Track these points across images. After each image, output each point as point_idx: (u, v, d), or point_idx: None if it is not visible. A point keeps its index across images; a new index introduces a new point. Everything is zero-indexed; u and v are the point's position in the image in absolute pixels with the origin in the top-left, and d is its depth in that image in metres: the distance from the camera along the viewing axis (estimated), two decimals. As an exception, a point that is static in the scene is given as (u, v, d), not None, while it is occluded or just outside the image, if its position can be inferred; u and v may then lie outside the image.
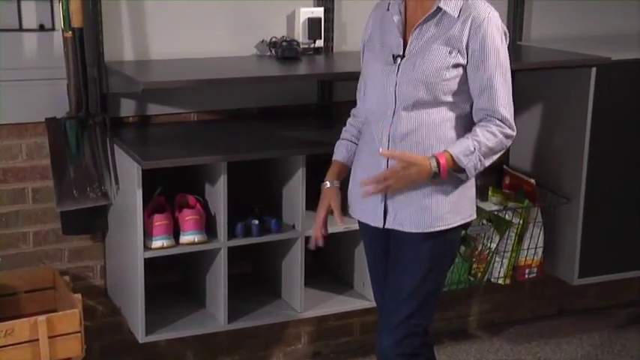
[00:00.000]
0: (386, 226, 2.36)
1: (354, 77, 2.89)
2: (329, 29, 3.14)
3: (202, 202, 2.81)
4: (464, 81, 2.23)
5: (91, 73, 2.80)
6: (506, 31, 2.27)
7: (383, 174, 2.25)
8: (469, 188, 2.34)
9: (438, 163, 2.19)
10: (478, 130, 2.22)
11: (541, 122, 3.33)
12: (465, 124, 2.27)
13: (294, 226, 2.86)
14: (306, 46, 3.08)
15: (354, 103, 3.36)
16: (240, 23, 3.06)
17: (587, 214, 3.21)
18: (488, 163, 2.25)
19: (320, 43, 3.11)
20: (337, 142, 2.54)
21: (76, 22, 2.70)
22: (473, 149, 2.20)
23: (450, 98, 2.23)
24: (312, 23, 3.07)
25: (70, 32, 2.71)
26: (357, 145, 2.48)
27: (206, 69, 2.88)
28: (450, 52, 2.20)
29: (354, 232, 2.93)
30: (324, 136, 3.05)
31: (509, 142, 2.26)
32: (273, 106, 3.16)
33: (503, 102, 2.22)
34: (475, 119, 2.27)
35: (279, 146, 2.84)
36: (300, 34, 3.07)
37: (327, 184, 2.47)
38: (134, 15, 2.91)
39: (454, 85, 2.22)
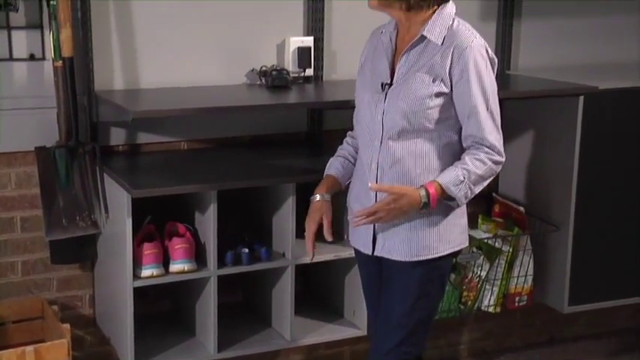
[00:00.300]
0: (375, 254, 2.37)
1: (343, 106, 2.90)
2: (319, 58, 3.16)
3: (192, 230, 2.80)
4: (448, 109, 2.23)
5: (81, 102, 2.81)
6: (494, 57, 2.26)
7: (374, 207, 2.25)
8: (459, 216, 2.34)
9: (428, 193, 2.20)
10: (467, 158, 2.22)
11: (530, 150, 3.34)
12: (454, 153, 2.28)
13: (284, 255, 2.86)
14: (296, 74, 3.10)
15: (344, 132, 3.38)
16: (231, 52, 3.08)
17: (577, 241, 3.21)
18: (478, 190, 2.25)
19: (310, 71, 3.13)
20: (331, 159, 2.51)
21: (67, 51, 2.71)
22: (462, 178, 2.20)
23: (435, 127, 2.23)
24: (302, 52, 3.09)
25: (61, 62, 2.72)
26: (352, 164, 2.47)
27: (196, 98, 2.89)
28: (434, 81, 2.20)
29: (345, 260, 2.94)
30: (314, 164, 3.06)
31: (498, 168, 2.26)
32: (263, 135, 3.17)
33: (490, 129, 2.21)
34: (464, 145, 2.27)
35: (269, 174, 2.84)
36: (290, 63, 3.09)
37: (318, 197, 2.42)
38: (124, 44, 2.92)
39: (438, 113, 2.22)
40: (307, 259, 2.87)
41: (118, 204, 2.70)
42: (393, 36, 2.32)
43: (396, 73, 2.27)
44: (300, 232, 2.83)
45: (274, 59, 3.12)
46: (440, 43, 2.21)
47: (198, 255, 2.76)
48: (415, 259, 2.30)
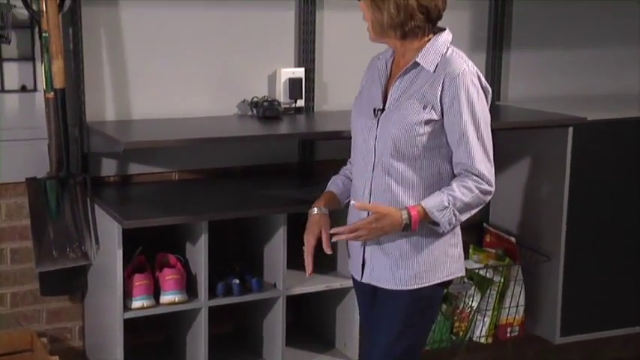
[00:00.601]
0: (363, 280, 2.36)
1: (335, 137, 2.92)
2: (310, 89, 3.17)
3: (183, 261, 2.79)
4: (439, 137, 2.22)
5: (72, 133, 2.81)
6: (487, 86, 2.25)
7: (355, 225, 2.25)
8: (452, 246, 2.31)
9: (410, 215, 2.18)
10: (454, 184, 2.21)
11: (520, 181, 3.36)
12: (445, 183, 2.26)
13: (275, 285, 2.85)
14: (288, 105, 3.11)
15: (335, 162, 3.38)
16: (222, 83, 3.09)
17: (568, 272, 3.22)
18: (464, 217, 2.23)
19: (301, 102, 3.14)
20: (333, 177, 2.53)
21: (58, 82, 2.72)
22: (447, 204, 2.18)
23: (426, 155, 2.23)
24: (293, 83, 3.11)
25: (52, 93, 2.73)
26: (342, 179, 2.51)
27: (187, 129, 2.89)
28: (424, 108, 2.20)
29: (336, 290, 2.93)
30: (305, 194, 3.06)
31: (487, 198, 2.25)
32: (254, 165, 3.18)
33: (480, 157, 2.20)
34: (455, 173, 2.26)
35: (260, 205, 2.84)
36: (282, 94, 3.10)
37: (315, 210, 2.42)
38: (116, 75, 2.93)
39: (428, 141, 2.21)
40: (298, 290, 2.87)
41: (108, 235, 2.69)
42: (389, 62, 2.33)
43: (388, 99, 2.27)
44: (291, 263, 2.82)
45: (265, 90, 3.14)
46: (432, 71, 2.21)
47: (189, 286, 2.75)
48: (403, 287, 2.28)
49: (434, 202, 2.19)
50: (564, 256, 3.19)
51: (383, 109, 2.27)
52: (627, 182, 3.30)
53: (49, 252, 2.77)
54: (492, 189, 2.24)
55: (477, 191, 2.20)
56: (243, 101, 3.10)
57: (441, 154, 2.25)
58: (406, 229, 2.20)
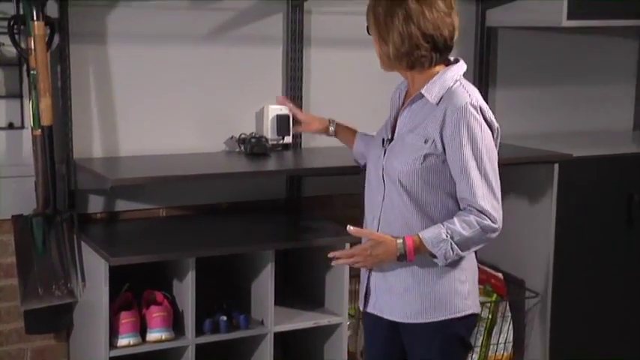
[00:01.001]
0: (367, 309, 2.32)
1: (322, 173, 2.93)
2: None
3: (170, 298, 2.78)
4: (441, 172, 2.17)
5: (59, 170, 2.81)
6: (492, 121, 2.19)
7: (351, 250, 2.22)
8: (461, 282, 2.24)
9: (405, 244, 2.14)
10: (455, 218, 2.15)
11: (507, 217, 3.33)
12: (454, 209, 2.21)
13: (262, 322, 2.83)
14: (275, 142, 3.12)
15: (323, 198, 3.40)
16: (210, 120, 3.10)
17: (556, 308, 3.21)
18: (464, 253, 2.16)
19: (288, 139, 3.15)
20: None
21: (46, 120, 2.72)
22: (445, 237, 2.12)
23: (428, 189, 2.18)
24: (281, 120, 3.12)
25: (40, 130, 2.73)
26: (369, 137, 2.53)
27: (175, 165, 2.90)
28: (425, 142, 2.16)
29: (324, 327, 2.92)
30: (293, 231, 3.06)
31: (491, 235, 2.15)
32: (242, 202, 3.18)
33: (482, 193, 2.13)
34: (460, 208, 2.20)
35: (248, 241, 2.84)
36: (269, 131, 3.11)
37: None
38: (104, 112, 2.94)
39: (428, 175, 2.17)
40: (286, 327, 2.85)
41: (95, 272, 2.68)
42: (403, 93, 2.31)
43: (396, 130, 2.25)
44: (279, 300, 2.81)
45: (253, 127, 3.15)
46: (436, 103, 2.17)
47: (175, 323, 2.73)
48: (405, 320, 2.24)
49: (431, 234, 2.14)
50: (552, 292, 3.19)
51: (391, 140, 2.25)
52: (613, 217, 3.32)
53: (34, 290, 2.75)
54: (497, 226, 2.15)
55: (477, 226, 2.13)
56: (231, 138, 3.11)
57: (445, 190, 2.19)
58: (401, 258, 2.15)
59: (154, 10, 2.96)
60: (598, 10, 3.27)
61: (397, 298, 2.25)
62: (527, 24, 3.38)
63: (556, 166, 3.13)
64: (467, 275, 2.25)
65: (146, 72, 2.98)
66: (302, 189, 3.24)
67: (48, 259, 2.78)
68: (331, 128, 2.67)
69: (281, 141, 3.14)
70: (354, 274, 3.26)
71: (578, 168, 3.16)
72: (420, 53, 2.17)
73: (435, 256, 2.17)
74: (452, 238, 2.13)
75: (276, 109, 3.12)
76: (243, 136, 3.08)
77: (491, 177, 2.15)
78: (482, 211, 2.14)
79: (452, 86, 2.17)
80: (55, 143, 2.76)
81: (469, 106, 2.13)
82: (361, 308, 2.36)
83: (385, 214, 2.24)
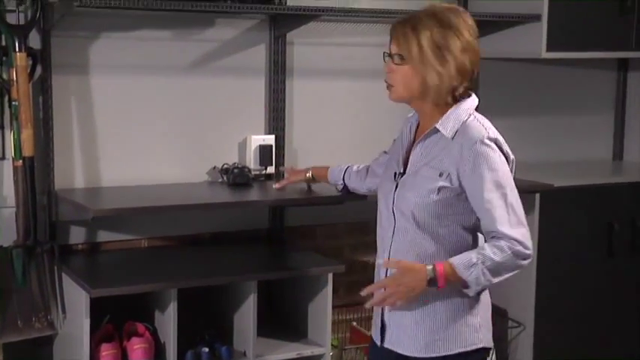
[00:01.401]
0: (385, 345, 2.25)
1: (305, 203, 2.93)
2: (280, 156, 3.20)
3: (151, 329, 2.75)
4: (456, 205, 2.14)
5: (40, 200, 2.79)
6: (508, 152, 2.17)
7: (382, 282, 2.15)
8: (473, 315, 2.20)
9: (435, 269, 2.07)
10: (486, 244, 2.10)
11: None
12: (469, 244, 2.19)
13: (245, 354, 2.81)
14: (258, 172, 3.13)
15: (305, 228, 3.39)
16: (192, 150, 3.10)
17: (539, 338, 3.22)
18: (496, 279, 2.10)
19: (271, 169, 3.16)
20: (351, 165, 2.73)
21: (27, 151, 2.71)
22: (475, 261, 2.06)
23: (442, 223, 2.15)
24: (264, 150, 3.13)
25: (21, 161, 2.72)
26: (349, 173, 2.70)
27: (157, 196, 2.89)
28: (440, 175, 2.13)
29: (306, 358, 2.90)
30: (275, 261, 3.06)
31: (523, 263, 2.09)
32: (224, 232, 3.17)
33: (511, 223, 2.08)
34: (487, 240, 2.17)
35: (230, 272, 2.83)
36: (252, 161, 3.12)
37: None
38: (86, 142, 2.93)
39: (442, 209, 2.14)
40: (269, 358, 2.83)
41: (76, 304, 2.65)
42: (414, 126, 2.27)
43: (409, 164, 2.21)
44: (261, 331, 2.80)
45: (236, 157, 3.16)
46: (451, 138, 2.14)
47: (157, 355, 2.70)
48: (416, 354, 2.20)
49: (461, 259, 2.08)
50: (535, 322, 3.19)
51: (403, 173, 2.21)
52: (594, 247, 3.34)
53: (14, 322, 2.72)
54: (529, 252, 2.09)
55: (509, 251, 2.07)
56: (214, 168, 3.11)
57: (458, 222, 2.16)
58: (432, 283, 2.08)
59: (137, 41, 2.97)
60: (577, 42, 3.32)
61: (408, 331, 2.20)
62: (507, 55, 3.42)
63: (537, 196, 3.15)
64: (479, 308, 2.21)
65: (128, 103, 2.99)
66: (284, 219, 3.24)
67: (28, 291, 2.75)
68: (308, 175, 2.84)
69: (264, 171, 3.15)
70: (338, 305, 3.27)
71: (559, 198, 3.18)
72: (454, 86, 2.14)
73: (466, 286, 2.11)
74: (483, 263, 2.07)
75: (258, 140, 3.13)
76: (225, 166, 3.08)
77: (516, 206, 2.11)
78: (512, 239, 2.09)
79: (466, 120, 2.15)
80: (36, 174, 2.75)
81: (486, 140, 2.11)
82: (378, 343, 2.28)
83: (395, 246, 2.20)
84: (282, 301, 3.09)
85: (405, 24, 2.13)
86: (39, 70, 2.79)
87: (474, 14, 3.25)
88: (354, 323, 3.32)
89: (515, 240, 2.08)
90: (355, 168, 2.72)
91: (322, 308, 2.90)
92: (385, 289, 2.12)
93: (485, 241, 2.13)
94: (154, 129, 3.03)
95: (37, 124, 2.78)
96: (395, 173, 2.23)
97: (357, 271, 3.37)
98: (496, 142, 2.14)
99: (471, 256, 2.08)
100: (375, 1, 3.25)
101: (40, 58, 2.78)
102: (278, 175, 3.17)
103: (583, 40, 3.32)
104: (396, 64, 2.13)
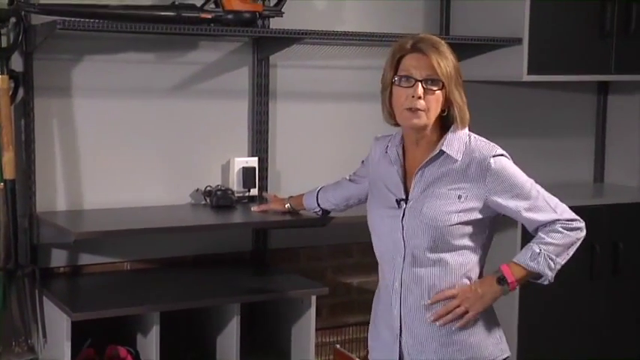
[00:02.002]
0: None
1: (288, 225, 2.93)
2: (263, 178, 3.20)
3: (134, 353, 2.73)
4: (475, 224, 2.18)
5: (21, 223, 2.78)
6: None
7: (450, 292, 2.16)
8: (494, 326, 2.24)
9: (500, 269, 2.16)
10: (541, 234, 2.18)
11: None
12: (482, 266, 2.23)
13: (228, 377, 2.80)
14: (241, 194, 3.12)
15: (289, 250, 3.38)
16: (175, 173, 3.10)
17: None
18: (563, 260, 2.18)
19: (254, 191, 3.16)
20: (325, 187, 2.69)
21: (9, 173, 2.70)
22: (538, 251, 2.15)
23: (463, 242, 2.17)
24: (247, 172, 3.13)
25: (2, 184, 2.70)
26: (324, 192, 2.68)
27: (140, 218, 2.88)
28: (460, 197, 2.15)
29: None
30: (259, 283, 3.05)
31: (580, 235, 2.20)
32: (207, 254, 3.16)
33: (551, 208, 2.18)
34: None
35: (213, 295, 2.81)
36: (235, 183, 3.12)
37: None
38: (68, 165, 2.92)
39: (466, 229, 2.17)
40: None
41: (57, 327, 2.63)
42: (400, 152, 2.27)
43: (411, 190, 2.20)
44: (244, 352, 2.78)
45: (219, 179, 3.15)
46: (459, 159, 2.17)
47: (139, 379, 2.69)
48: None
49: (524, 254, 2.17)
50: (517, 350, 3.19)
51: (406, 199, 2.20)
52: (576, 270, 3.35)
53: (-6, 346, 2.70)
54: (582, 223, 2.20)
55: (565, 231, 2.17)
56: (197, 190, 3.11)
57: (480, 241, 2.21)
58: (502, 282, 2.15)
59: (120, 63, 2.97)
60: (558, 66, 3.35)
61: (433, 356, 2.19)
62: (489, 78, 3.45)
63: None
64: (496, 319, 2.26)
65: (111, 125, 2.98)
66: (268, 241, 3.24)
67: (8, 315, 2.73)
68: (287, 205, 2.84)
69: (247, 193, 3.14)
70: (321, 327, 3.26)
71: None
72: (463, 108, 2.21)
73: (538, 277, 2.17)
74: (546, 250, 2.15)
75: (241, 162, 3.13)
76: (209, 188, 3.08)
77: (545, 192, 2.22)
78: (563, 220, 2.19)
79: (469, 140, 2.21)
80: (17, 196, 2.73)
81: (498, 152, 2.19)
82: None
83: (407, 273, 2.19)
84: (266, 324, 3.08)
85: (430, 49, 2.14)
86: (21, 92, 2.79)
87: (456, 37, 3.34)
88: (338, 346, 3.31)
89: (565, 220, 2.19)
90: (330, 185, 2.68)
91: (305, 331, 2.89)
92: (454, 297, 2.15)
93: (537, 232, 2.20)
94: (136, 151, 3.03)
95: (18, 146, 2.77)
96: (397, 200, 2.21)
97: (340, 294, 3.37)
98: (506, 155, 2.22)
99: (532, 247, 2.17)
100: (358, 25, 3.28)
101: (23, 81, 2.78)
102: (261, 199, 3.17)
103: (564, 64, 3.36)
104: (434, 88, 2.13)
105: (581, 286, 3.35)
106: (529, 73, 3.27)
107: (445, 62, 2.13)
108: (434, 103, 2.14)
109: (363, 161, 2.50)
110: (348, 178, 2.59)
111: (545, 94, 3.75)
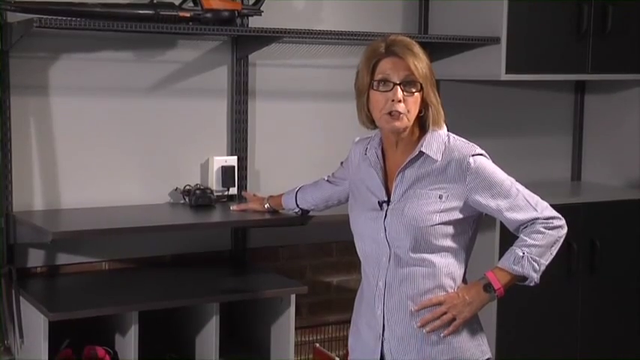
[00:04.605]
0: None
1: (267, 224, 2.93)
2: (242, 177, 3.19)
3: (112, 353, 2.72)
4: (458, 224, 2.19)
5: (-2, 223, 2.76)
6: None
7: (436, 298, 2.17)
8: (476, 328, 2.24)
9: (485, 276, 2.16)
10: (523, 235, 2.19)
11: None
12: (466, 266, 2.24)
13: (207, 377, 2.80)
14: (220, 193, 3.12)
15: (267, 250, 3.37)
16: (154, 172, 3.09)
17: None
18: (547, 260, 2.19)
19: (233, 190, 3.15)
20: (303, 187, 2.69)
21: (-15, 172, 2.68)
22: (521, 254, 2.15)
23: (446, 242, 2.18)
24: (226, 171, 3.12)
25: (-21, 182, 2.68)
26: (303, 192, 2.68)
27: (118, 217, 2.87)
28: (441, 197, 2.16)
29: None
30: (238, 283, 3.04)
31: (561, 232, 2.20)
32: (186, 254, 3.15)
33: (531, 206, 2.18)
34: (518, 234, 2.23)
35: (192, 294, 2.81)
36: (214, 182, 3.11)
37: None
38: (45, 164, 2.90)
39: (448, 229, 2.18)
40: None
41: (34, 328, 2.61)
42: (380, 154, 2.27)
43: (393, 191, 2.21)
44: (224, 352, 2.78)
45: (198, 178, 3.14)
46: (439, 159, 2.19)
47: (117, 379, 2.67)
48: None
49: (507, 259, 2.17)
50: (497, 351, 3.20)
51: (388, 201, 2.21)
52: (553, 267, 3.36)
53: (-30, 347, 2.67)
54: (562, 221, 2.20)
55: (547, 231, 2.17)
56: (176, 189, 3.10)
57: (465, 241, 2.22)
58: (488, 289, 2.16)
59: (97, 62, 2.96)
60: (535, 65, 3.37)
61: (415, 356, 2.18)
62: (467, 77, 3.46)
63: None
64: (479, 321, 2.26)
65: (89, 124, 2.97)
66: (247, 241, 3.23)
67: (-15, 315, 2.70)
68: (266, 205, 2.84)
69: (226, 192, 3.14)
70: (301, 326, 3.26)
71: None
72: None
73: (522, 279, 2.17)
74: (529, 252, 2.16)
75: (220, 161, 3.13)
76: (187, 187, 3.07)
77: (525, 190, 2.23)
78: (543, 218, 2.19)
79: (448, 140, 2.21)
80: (-6, 196, 2.72)
81: (477, 152, 2.20)
82: None
83: (391, 274, 2.20)
84: (245, 323, 3.08)
85: (405, 51, 2.14)
86: (-3, 90, 2.77)
87: (435, 36, 3.35)
88: (317, 344, 3.31)
89: (546, 218, 2.19)
90: (308, 185, 2.68)
91: (285, 330, 2.89)
92: (442, 303, 2.16)
93: (520, 232, 2.20)
94: (114, 150, 3.01)
95: (-5, 145, 2.75)
96: (379, 202, 2.22)
97: (320, 292, 3.38)
98: (482, 153, 2.23)
99: (515, 251, 2.18)
100: (337, 24, 3.28)
101: (-1, 79, 2.76)
102: (240, 198, 3.16)
103: (541, 63, 3.38)
104: (413, 90, 2.14)
105: (559, 284, 3.38)
106: (507, 72, 3.28)
107: (421, 64, 2.14)
108: (413, 105, 2.15)
109: (342, 163, 2.50)
110: (326, 179, 2.59)
111: (522, 93, 3.78)
